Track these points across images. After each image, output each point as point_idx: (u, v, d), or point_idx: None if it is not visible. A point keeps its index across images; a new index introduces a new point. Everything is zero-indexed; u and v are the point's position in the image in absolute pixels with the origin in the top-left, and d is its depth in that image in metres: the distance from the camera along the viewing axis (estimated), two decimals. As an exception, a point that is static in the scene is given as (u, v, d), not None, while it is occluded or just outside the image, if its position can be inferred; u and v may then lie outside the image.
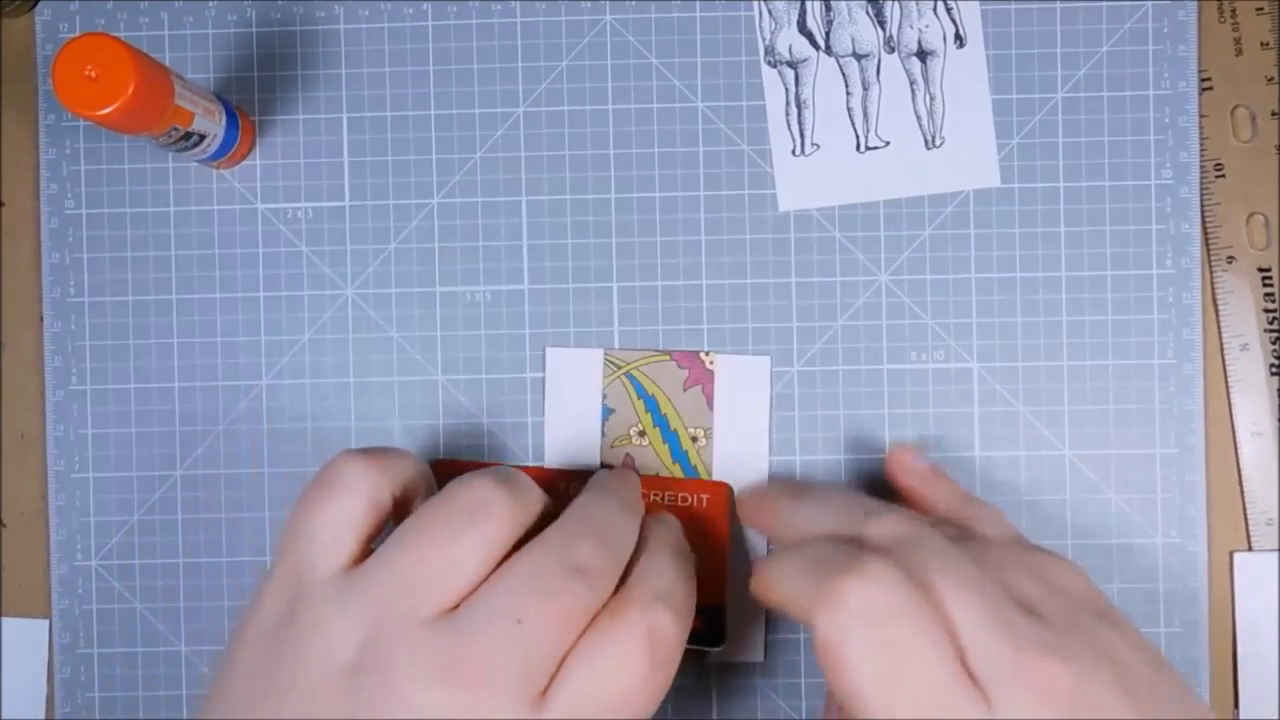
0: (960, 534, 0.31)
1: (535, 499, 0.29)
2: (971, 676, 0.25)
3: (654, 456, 0.36)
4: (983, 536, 0.31)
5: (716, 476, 0.37)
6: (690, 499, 0.36)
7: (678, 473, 0.36)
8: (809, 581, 0.27)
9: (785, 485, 0.35)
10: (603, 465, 0.37)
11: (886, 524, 0.29)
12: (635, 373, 0.37)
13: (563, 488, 0.36)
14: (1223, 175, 0.37)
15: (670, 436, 0.36)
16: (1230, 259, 0.37)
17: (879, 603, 0.25)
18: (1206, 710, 0.27)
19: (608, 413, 0.37)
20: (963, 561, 0.27)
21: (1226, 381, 0.37)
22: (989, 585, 0.27)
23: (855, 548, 0.28)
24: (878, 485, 0.36)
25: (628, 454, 0.36)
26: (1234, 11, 0.37)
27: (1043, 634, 0.26)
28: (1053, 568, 0.29)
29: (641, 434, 0.36)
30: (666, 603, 0.28)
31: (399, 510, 0.30)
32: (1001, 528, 0.32)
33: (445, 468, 0.37)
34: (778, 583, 0.28)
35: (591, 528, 0.29)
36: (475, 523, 0.27)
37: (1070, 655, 0.25)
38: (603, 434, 0.37)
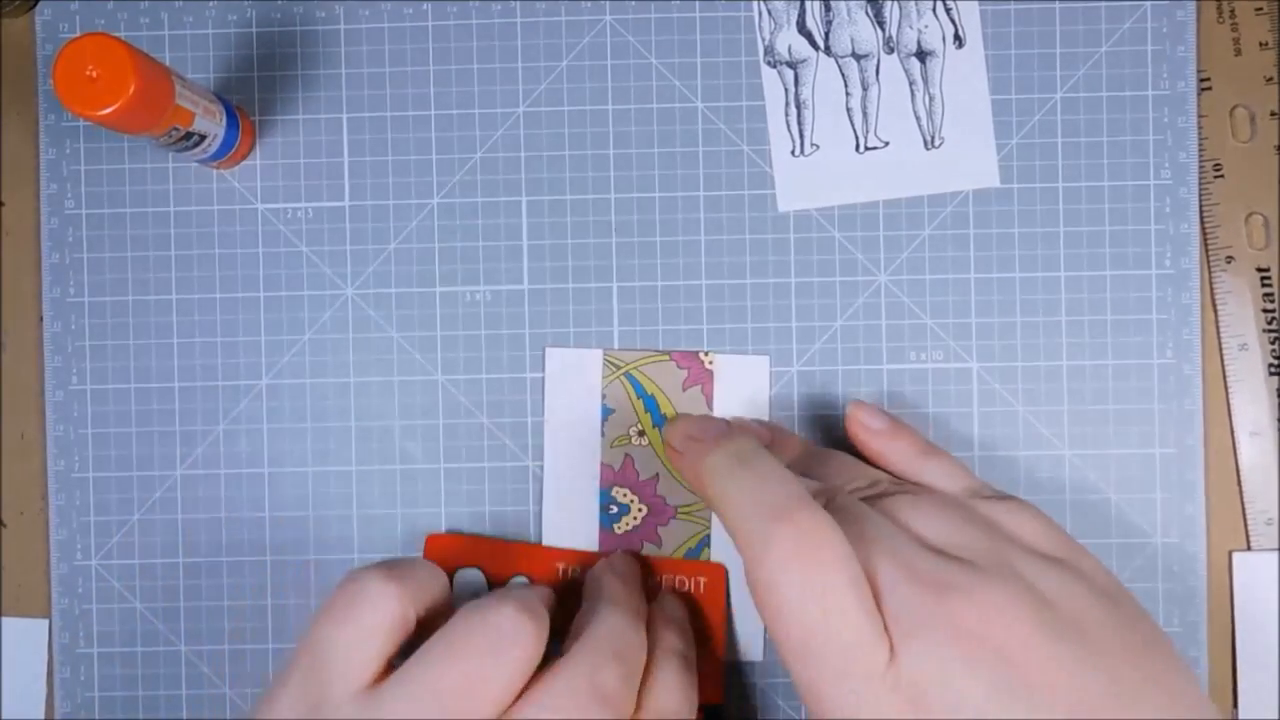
0: (903, 488, 0.32)
1: (547, 620, 0.30)
2: (885, 625, 0.25)
3: (654, 457, 0.36)
4: (929, 488, 0.32)
5: None
6: (688, 582, 0.36)
7: (679, 478, 0.36)
8: (749, 520, 0.27)
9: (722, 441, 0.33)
10: (602, 549, 0.36)
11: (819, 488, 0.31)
12: (635, 373, 0.36)
13: (561, 570, 0.36)
14: (1221, 175, 0.37)
15: None
16: (1229, 259, 0.37)
17: (806, 551, 0.26)
18: (1170, 655, 0.27)
19: (607, 412, 0.37)
20: (881, 519, 0.29)
21: (1226, 381, 0.37)
22: (901, 534, 0.28)
23: (795, 488, 0.28)
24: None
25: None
26: (1233, 12, 0.37)
27: (948, 574, 0.26)
28: (1002, 514, 0.30)
29: (641, 434, 0.36)
30: None
31: (420, 627, 0.30)
32: (954, 479, 0.32)
33: (439, 545, 0.36)
34: (722, 507, 0.29)
35: (613, 652, 0.29)
36: (505, 651, 0.28)
37: (974, 591, 0.26)
38: (602, 434, 0.37)
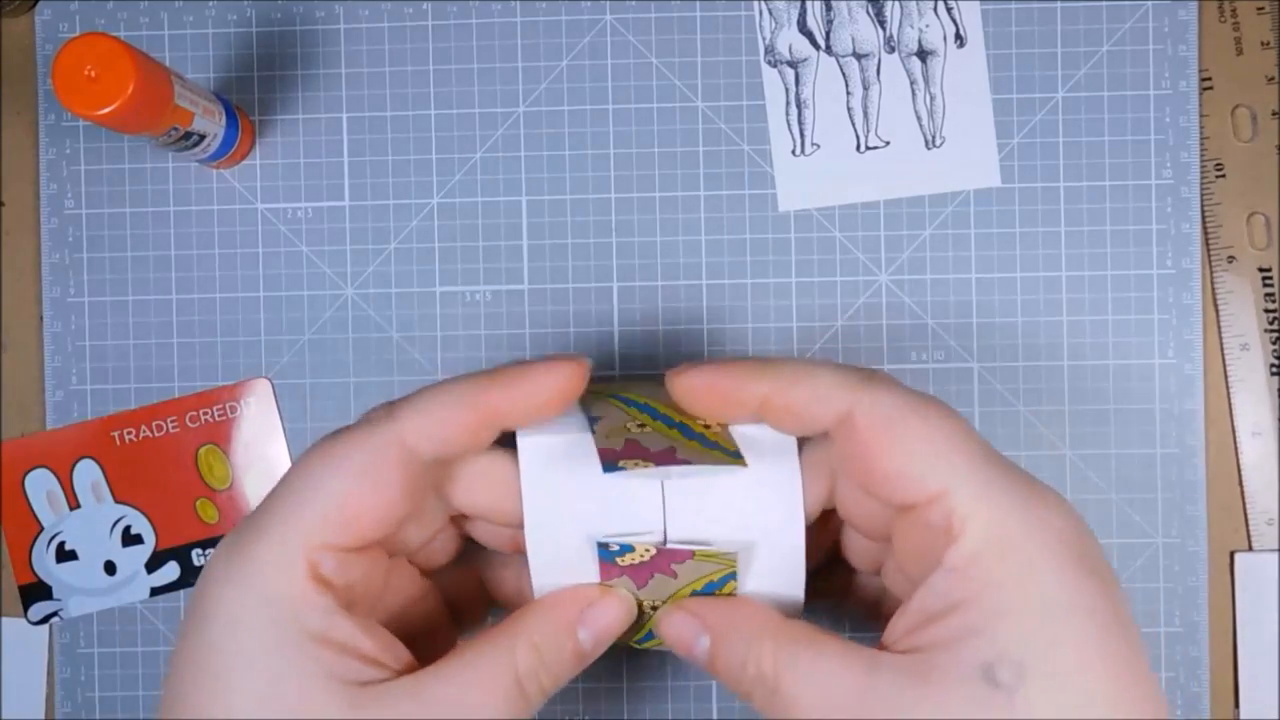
0: None
1: None
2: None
3: (662, 438, 0.27)
4: None
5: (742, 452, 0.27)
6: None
7: (696, 449, 0.27)
8: (838, 382, 0.25)
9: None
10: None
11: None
12: (623, 392, 0.29)
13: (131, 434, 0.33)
14: (1223, 175, 0.37)
15: (679, 425, 0.28)
16: (1231, 259, 0.37)
17: (914, 390, 0.25)
18: None
19: (594, 420, 0.28)
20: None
21: (1226, 381, 0.37)
22: None
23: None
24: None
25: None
26: (1234, 11, 0.37)
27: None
28: None
29: (641, 426, 0.28)
30: None
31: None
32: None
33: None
34: (802, 386, 0.25)
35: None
36: None
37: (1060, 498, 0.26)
38: (592, 431, 0.27)
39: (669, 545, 0.27)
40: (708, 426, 0.28)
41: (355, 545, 0.25)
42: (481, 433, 0.25)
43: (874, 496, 0.26)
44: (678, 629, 0.27)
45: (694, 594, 0.28)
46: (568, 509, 0.26)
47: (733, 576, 0.28)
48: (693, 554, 0.27)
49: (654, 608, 0.28)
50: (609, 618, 0.27)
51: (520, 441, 0.26)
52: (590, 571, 0.27)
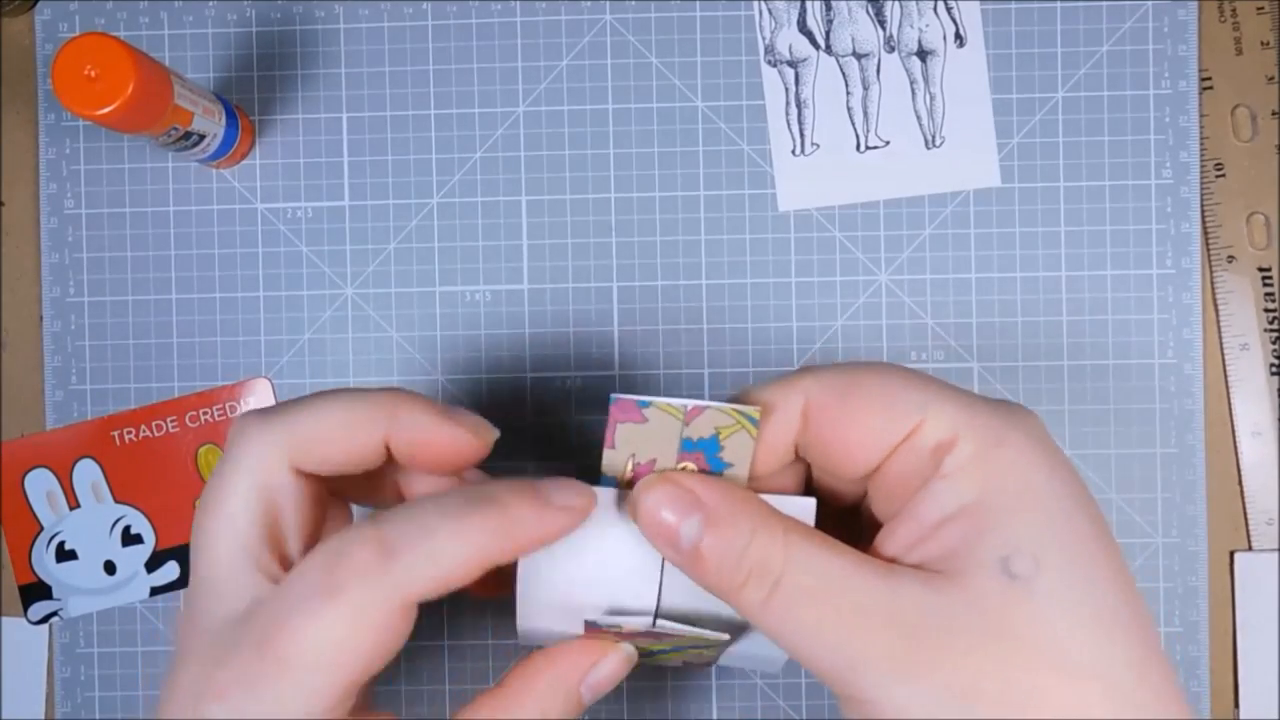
0: None
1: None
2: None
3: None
4: None
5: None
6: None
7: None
8: (782, 392, 0.24)
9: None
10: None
11: None
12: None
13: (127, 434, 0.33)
14: (1223, 175, 0.37)
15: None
16: (1230, 259, 0.37)
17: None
18: None
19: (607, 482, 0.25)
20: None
21: (1226, 381, 0.37)
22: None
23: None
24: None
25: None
26: (1234, 11, 0.37)
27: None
28: None
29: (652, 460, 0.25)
30: None
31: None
32: None
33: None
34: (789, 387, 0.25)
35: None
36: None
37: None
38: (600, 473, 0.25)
39: (658, 627, 0.25)
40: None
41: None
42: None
43: (857, 462, 0.24)
44: (663, 505, 0.24)
45: (675, 648, 0.28)
46: (562, 593, 0.25)
47: (723, 644, 0.27)
48: (683, 636, 0.26)
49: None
50: (611, 676, 0.26)
51: None
52: (576, 624, 0.26)
